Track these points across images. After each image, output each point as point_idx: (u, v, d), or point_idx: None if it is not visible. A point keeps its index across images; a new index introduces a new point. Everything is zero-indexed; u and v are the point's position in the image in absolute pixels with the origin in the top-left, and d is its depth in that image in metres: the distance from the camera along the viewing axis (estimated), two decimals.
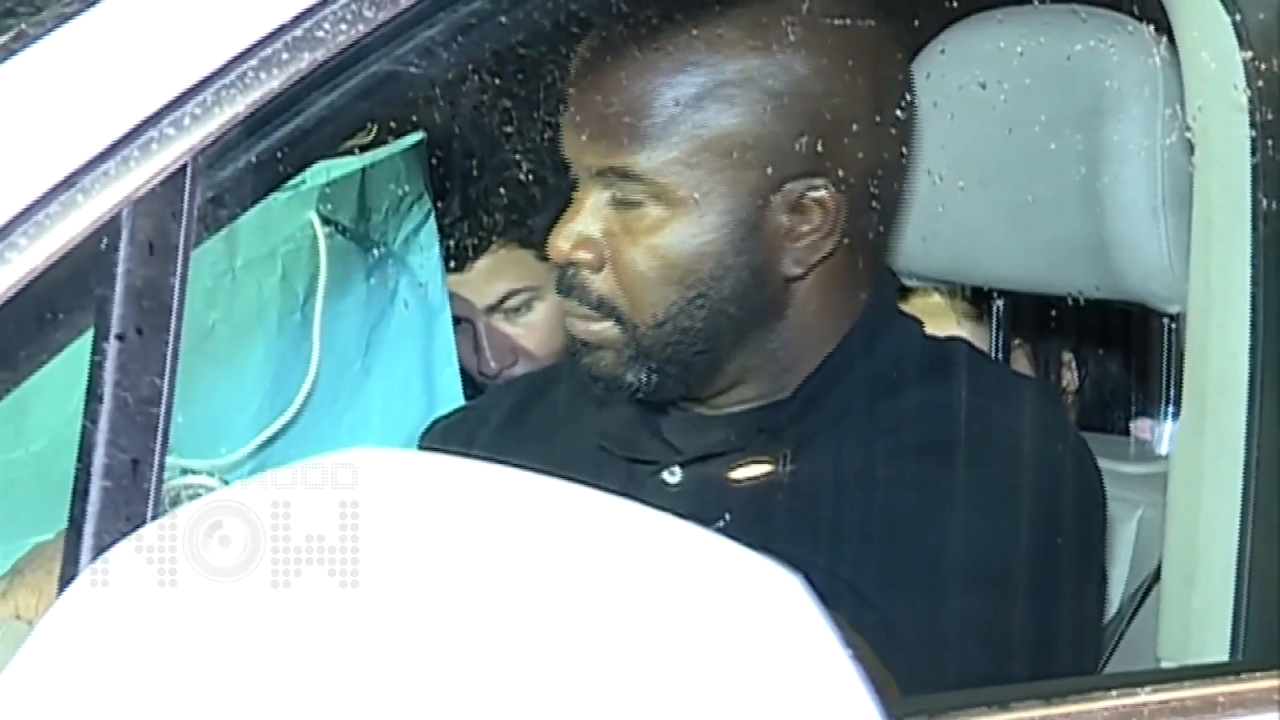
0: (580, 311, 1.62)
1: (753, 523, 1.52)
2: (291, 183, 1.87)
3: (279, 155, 1.22)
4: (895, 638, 1.38)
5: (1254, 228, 1.50)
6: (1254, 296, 1.50)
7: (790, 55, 1.58)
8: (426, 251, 2.21)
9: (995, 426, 1.55)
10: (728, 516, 1.52)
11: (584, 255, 1.61)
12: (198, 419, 2.09)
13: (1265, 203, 1.50)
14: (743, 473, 1.61)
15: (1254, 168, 1.50)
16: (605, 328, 1.61)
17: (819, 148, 1.58)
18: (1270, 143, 1.50)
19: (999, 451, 1.54)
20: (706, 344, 1.60)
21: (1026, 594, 1.49)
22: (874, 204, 1.62)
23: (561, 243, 1.62)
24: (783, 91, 1.57)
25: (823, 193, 1.59)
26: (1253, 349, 1.49)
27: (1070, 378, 2.23)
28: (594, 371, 1.63)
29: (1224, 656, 1.47)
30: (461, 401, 2.15)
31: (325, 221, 2.15)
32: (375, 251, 2.21)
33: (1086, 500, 1.58)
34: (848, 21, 1.62)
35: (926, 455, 1.52)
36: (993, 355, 1.96)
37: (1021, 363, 2.17)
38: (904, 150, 1.65)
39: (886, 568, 1.46)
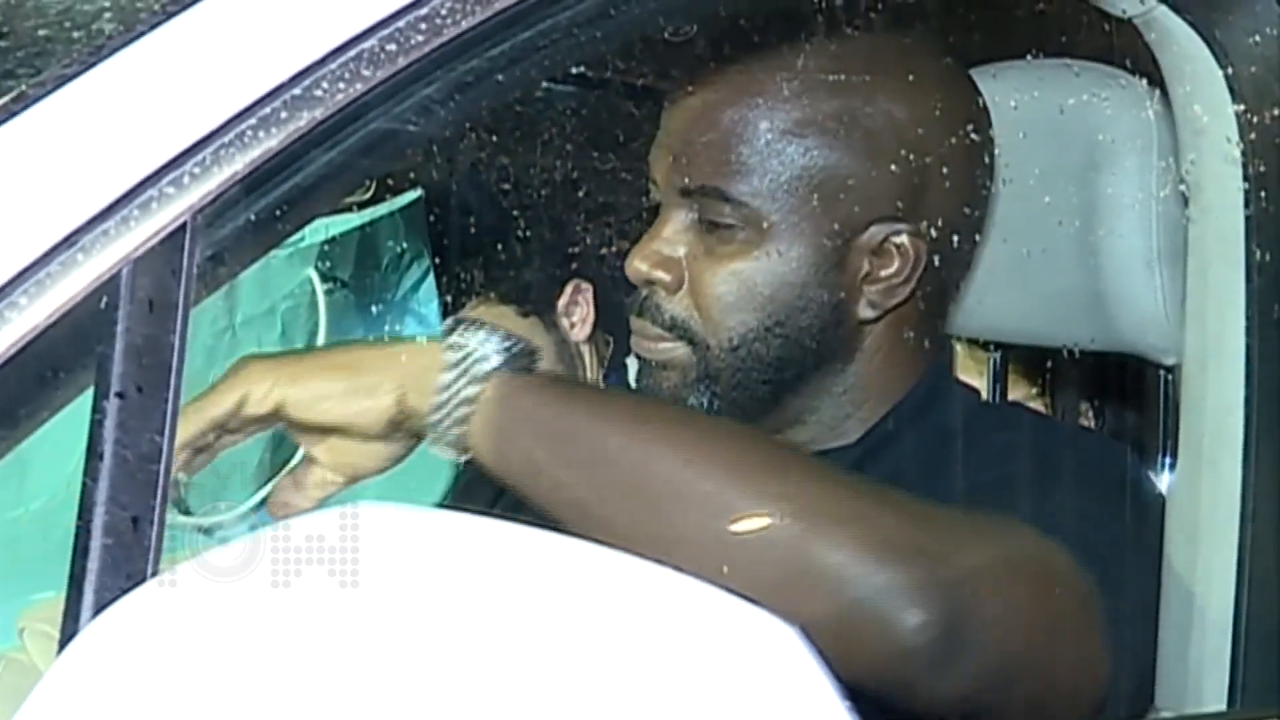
0: (651, 332, 1.63)
1: None
2: (290, 240, 1.88)
3: (278, 213, 1.22)
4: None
5: (1248, 279, 1.51)
6: (1249, 348, 1.50)
7: (891, 100, 1.60)
8: (425, 307, 2.22)
9: (1069, 478, 1.53)
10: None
11: (662, 275, 1.62)
12: (200, 474, 2.09)
13: (1259, 254, 1.50)
14: None
15: (1248, 220, 1.51)
16: (675, 348, 1.62)
17: (907, 194, 1.60)
18: (1264, 195, 1.50)
19: (1078, 503, 1.52)
20: (775, 375, 1.60)
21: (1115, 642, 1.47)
22: (951, 258, 1.64)
23: (640, 262, 1.63)
24: (880, 134, 1.59)
25: (904, 239, 1.60)
26: (1248, 400, 1.49)
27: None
28: (656, 393, 1.63)
29: (1222, 705, 1.47)
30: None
31: (324, 278, 2.16)
32: (374, 308, 2.22)
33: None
34: (949, 75, 1.65)
35: (998, 507, 1.50)
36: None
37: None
38: (981, 209, 1.66)
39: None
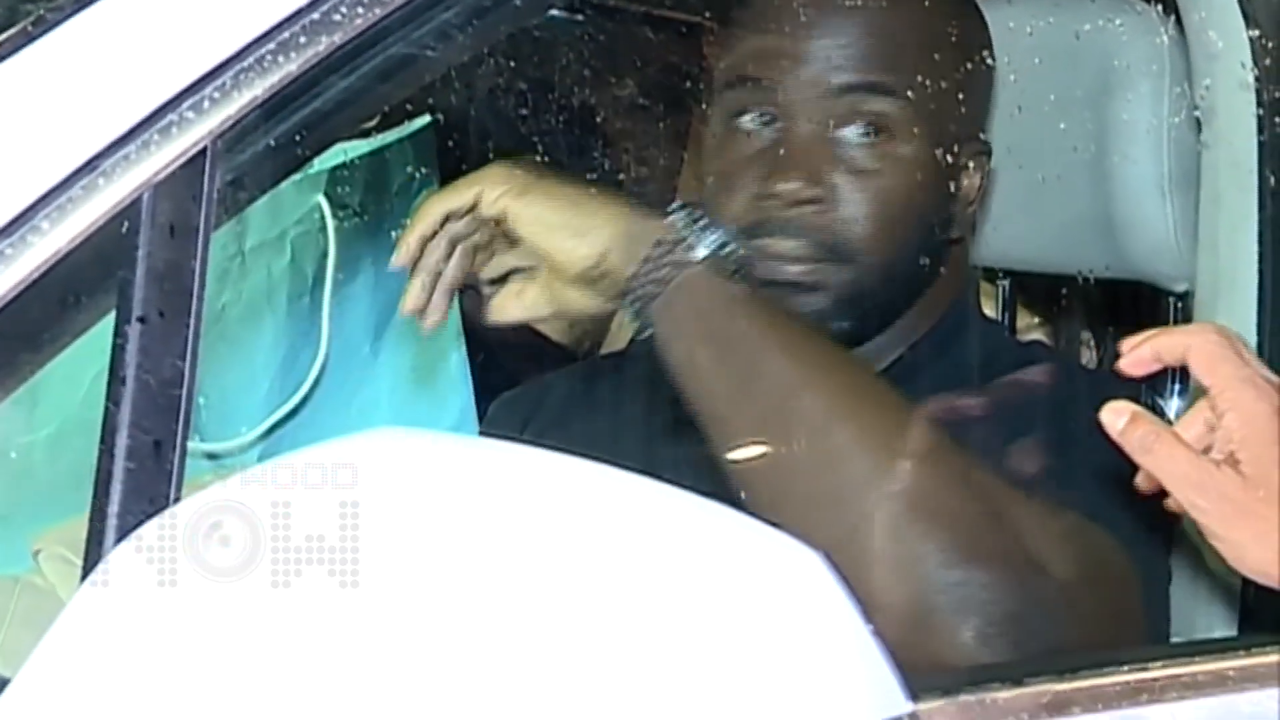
0: (790, 253, 1.57)
1: None
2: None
3: (297, 138, 1.23)
4: None
5: (1261, 205, 1.51)
6: (1261, 273, 1.50)
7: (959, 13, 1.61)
8: None
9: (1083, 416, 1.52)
10: None
11: (816, 191, 1.57)
12: (209, 401, 2.10)
13: (1272, 180, 1.50)
14: None
15: (1261, 145, 1.51)
16: (817, 270, 1.57)
17: (980, 111, 1.62)
18: (1277, 120, 1.50)
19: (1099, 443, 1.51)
20: (893, 290, 1.60)
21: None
22: (990, 180, 1.64)
23: (786, 183, 1.57)
24: (987, 59, 1.61)
25: (984, 158, 1.62)
26: (1260, 326, 1.50)
27: (1090, 357, 2.23)
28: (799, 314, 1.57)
29: (1234, 631, 1.48)
30: (469, 385, 2.15)
31: (334, 204, 2.16)
32: (384, 234, 2.21)
33: None
34: None
35: (1013, 446, 1.50)
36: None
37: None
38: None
39: None
